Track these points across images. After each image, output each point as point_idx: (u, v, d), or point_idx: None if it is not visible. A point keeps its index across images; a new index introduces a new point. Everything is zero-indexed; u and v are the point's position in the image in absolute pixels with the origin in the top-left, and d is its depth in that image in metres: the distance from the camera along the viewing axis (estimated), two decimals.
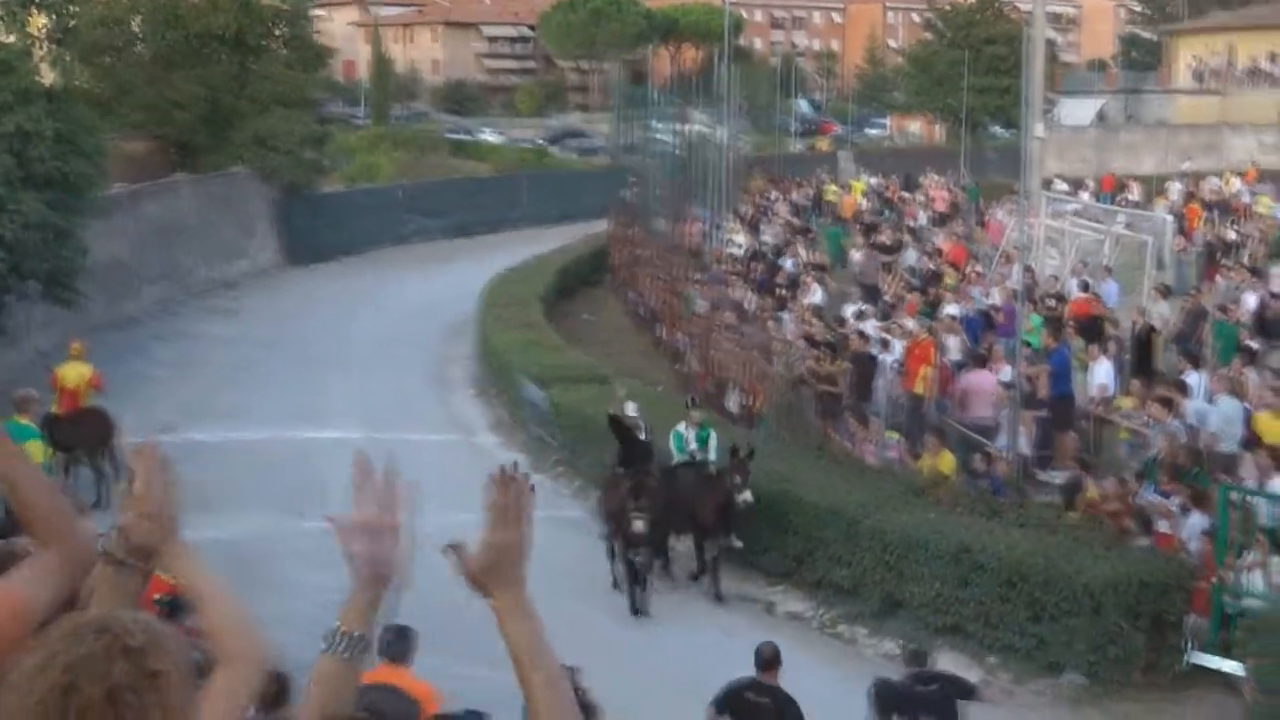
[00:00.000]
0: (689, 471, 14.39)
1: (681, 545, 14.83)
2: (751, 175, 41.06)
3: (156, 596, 9.99)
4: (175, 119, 35.17)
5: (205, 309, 30.47)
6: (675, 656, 12.46)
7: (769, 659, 9.01)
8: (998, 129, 57.23)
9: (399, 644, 7.85)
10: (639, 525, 13.31)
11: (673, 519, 14.23)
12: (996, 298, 21.04)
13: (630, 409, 15.51)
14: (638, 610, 13.60)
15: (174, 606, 9.24)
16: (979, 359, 16.96)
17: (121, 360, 22.53)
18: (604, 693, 8.68)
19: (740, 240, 30.40)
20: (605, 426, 15.07)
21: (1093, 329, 18.02)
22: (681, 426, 14.74)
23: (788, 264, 26.87)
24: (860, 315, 20.29)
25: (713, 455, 14.49)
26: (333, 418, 19.96)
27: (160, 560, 2.52)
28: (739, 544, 14.14)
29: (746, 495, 13.75)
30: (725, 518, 13.97)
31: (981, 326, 19.12)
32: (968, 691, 9.09)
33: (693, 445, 14.59)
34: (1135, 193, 36.16)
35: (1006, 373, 16.06)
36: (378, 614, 2.39)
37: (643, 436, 14.56)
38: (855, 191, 40.04)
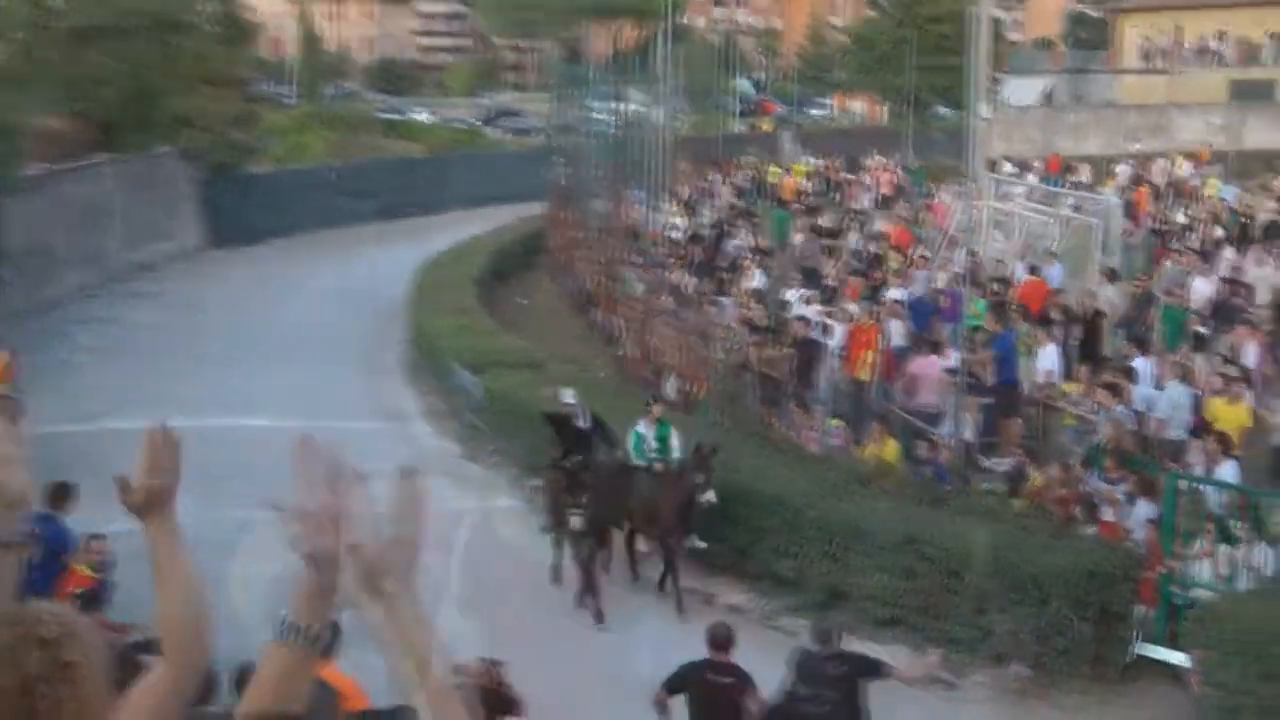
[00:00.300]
0: (647, 471, 13.79)
1: (647, 547, 14.30)
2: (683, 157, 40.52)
3: (74, 589, 9.58)
4: (96, 97, 34.00)
5: (129, 294, 29.71)
6: (610, 650, 12.19)
7: (724, 639, 8.70)
8: (943, 109, 56.79)
9: None
10: (575, 523, 12.97)
11: (634, 520, 13.77)
12: (941, 282, 20.78)
13: (567, 396, 14.99)
14: (602, 620, 13.03)
15: (91, 599, 8.88)
16: (931, 345, 16.66)
17: (42, 347, 22.01)
18: (534, 686, 8.32)
19: (680, 223, 29.98)
20: (540, 413, 14.66)
21: (1042, 313, 17.83)
22: (641, 426, 14.10)
23: (730, 246, 26.53)
24: (807, 301, 19.97)
25: (675, 453, 13.90)
26: (261, 405, 19.43)
27: (146, 530, 2.43)
28: (702, 545, 13.62)
29: (710, 496, 13.05)
30: (686, 517, 13.35)
31: (928, 311, 18.85)
32: (874, 670, 8.76)
33: (652, 446, 13.94)
34: (1086, 175, 35.98)
35: (951, 358, 15.80)
36: (331, 605, 2.20)
37: (582, 424, 14.08)
38: (796, 174, 39.69)
